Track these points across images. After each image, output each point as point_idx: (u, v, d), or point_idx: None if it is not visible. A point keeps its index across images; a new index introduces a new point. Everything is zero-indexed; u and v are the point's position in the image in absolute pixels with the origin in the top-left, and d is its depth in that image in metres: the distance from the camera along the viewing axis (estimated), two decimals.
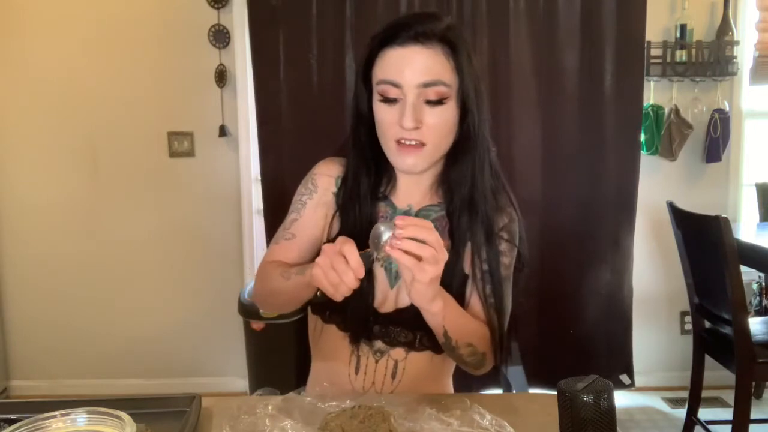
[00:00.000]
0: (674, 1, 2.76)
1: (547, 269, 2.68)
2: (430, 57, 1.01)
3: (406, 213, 1.13)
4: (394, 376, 1.10)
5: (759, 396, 2.80)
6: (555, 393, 0.80)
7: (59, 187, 2.89)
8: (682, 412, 2.49)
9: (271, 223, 2.68)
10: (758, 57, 2.83)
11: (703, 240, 2.15)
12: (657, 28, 2.75)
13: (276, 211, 2.64)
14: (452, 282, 1.06)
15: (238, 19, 2.75)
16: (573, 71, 2.65)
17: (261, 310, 1.21)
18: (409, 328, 1.09)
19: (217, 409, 0.98)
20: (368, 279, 1.07)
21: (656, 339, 2.95)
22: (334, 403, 0.91)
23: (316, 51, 2.61)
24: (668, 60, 2.72)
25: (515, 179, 2.60)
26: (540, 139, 2.68)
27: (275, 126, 2.66)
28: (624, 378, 2.79)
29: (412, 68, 1.00)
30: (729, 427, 2.10)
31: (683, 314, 2.93)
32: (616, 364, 2.79)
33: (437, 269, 0.88)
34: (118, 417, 0.79)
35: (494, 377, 1.35)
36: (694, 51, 2.71)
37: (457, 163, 1.09)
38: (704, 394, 2.38)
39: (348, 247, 0.87)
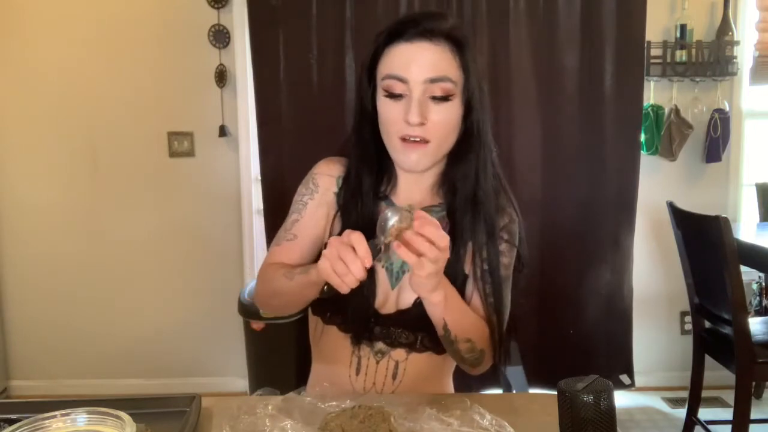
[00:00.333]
0: (674, 1, 2.77)
1: (547, 269, 2.68)
2: (436, 53, 1.01)
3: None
4: (394, 377, 1.10)
5: (759, 396, 2.80)
6: (555, 393, 0.80)
7: (59, 187, 2.89)
8: (682, 412, 2.49)
9: (271, 223, 2.68)
10: (758, 57, 2.83)
11: (703, 240, 2.15)
12: (657, 28, 2.75)
13: (276, 211, 2.64)
14: (453, 282, 1.06)
15: (238, 19, 2.75)
16: (573, 71, 2.65)
17: (261, 311, 1.20)
18: (410, 329, 1.09)
19: (217, 409, 0.98)
20: (369, 280, 1.07)
21: (656, 339, 2.95)
22: (334, 403, 0.91)
23: (316, 51, 2.61)
24: (668, 60, 2.72)
25: (515, 179, 2.60)
26: (540, 139, 2.68)
27: (275, 126, 2.66)
28: (624, 378, 2.79)
29: (418, 63, 1.01)
30: (729, 427, 2.10)
31: (683, 314, 2.93)
32: (616, 364, 2.79)
33: (436, 267, 0.89)
34: (118, 417, 0.79)
35: (494, 377, 1.35)
36: (694, 51, 2.71)
37: (461, 162, 1.09)
38: (704, 394, 2.38)
39: (356, 236, 0.87)
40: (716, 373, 2.41)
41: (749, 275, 2.64)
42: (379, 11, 2.58)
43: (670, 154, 2.77)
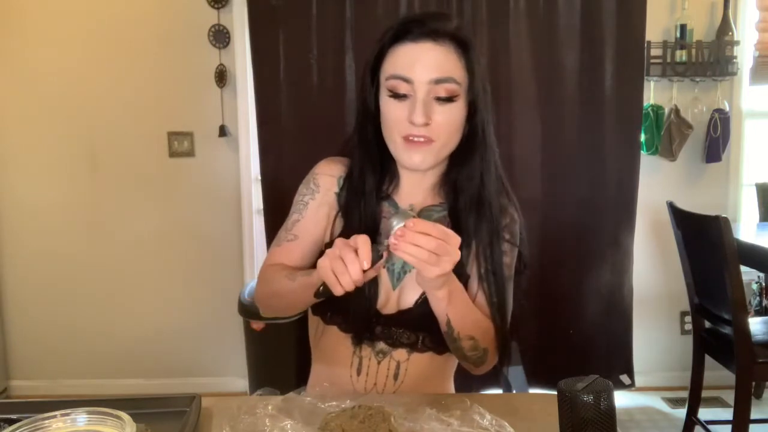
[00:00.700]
0: (674, 1, 2.77)
1: (547, 269, 2.68)
2: (442, 54, 1.01)
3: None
4: (396, 377, 1.10)
5: (759, 396, 2.80)
6: (555, 393, 0.80)
7: (59, 187, 2.89)
8: (682, 412, 2.49)
9: (271, 223, 2.68)
10: (758, 57, 2.83)
11: (703, 240, 2.15)
12: (657, 28, 2.75)
13: (276, 211, 2.64)
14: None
15: (238, 19, 2.75)
16: (573, 71, 2.65)
17: (259, 308, 1.20)
18: (412, 329, 1.09)
19: (217, 409, 0.98)
20: (371, 280, 1.07)
21: (656, 339, 2.95)
22: (334, 403, 0.91)
23: (316, 51, 2.61)
24: (668, 60, 2.72)
25: (515, 179, 2.60)
26: (540, 139, 2.68)
27: (275, 126, 2.66)
28: (624, 378, 2.79)
29: (423, 64, 1.01)
30: (729, 427, 2.09)
31: (683, 314, 2.93)
32: (616, 364, 2.79)
33: (440, 269, 0.89)
34: (118, 417, 0.79)
35: (494, 377, 1.35)
36: (694, 51, 2.71)
37: (465, 163, 1.09)
38: (704, 394, 2.38)
39: (361, 239, 0.87)
40: (716, 373, 2.41)
41: (749, 275, 2.64)
42: (379, 11, 2.58)
43: (670, 154, 2.77)
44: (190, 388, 2.63)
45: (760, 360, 2.03)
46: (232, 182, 2.87)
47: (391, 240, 0.87)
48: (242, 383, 2.88)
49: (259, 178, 2.76)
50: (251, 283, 2.60)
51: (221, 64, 2.77)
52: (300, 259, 1.13)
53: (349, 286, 0.87)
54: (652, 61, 2.72)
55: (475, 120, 1.06)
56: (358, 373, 1.10)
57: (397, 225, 0.88)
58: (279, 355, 2.35)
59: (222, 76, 2.76)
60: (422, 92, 1.01)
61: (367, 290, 1.07)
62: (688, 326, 2.71)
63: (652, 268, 2.90)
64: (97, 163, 2.87)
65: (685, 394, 2.42)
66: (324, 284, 0.89)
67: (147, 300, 2.96)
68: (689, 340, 2.43)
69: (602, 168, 2.70)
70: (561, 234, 2.71)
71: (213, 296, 2.92)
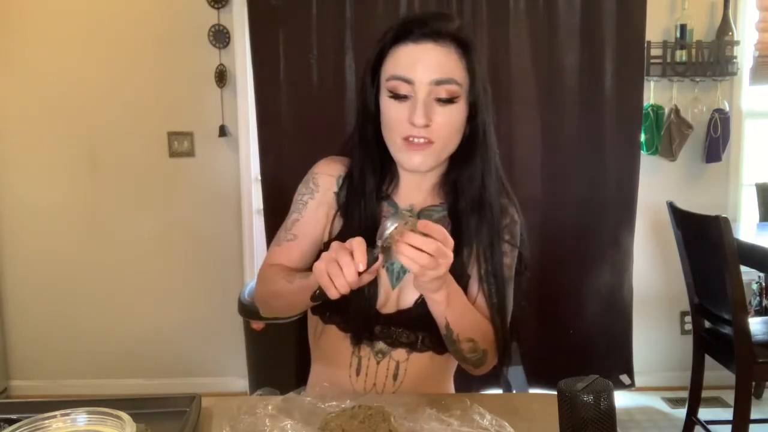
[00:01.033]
0: (674, 1, 2.77)
1: (547, 269, 2.68)
2: (443, 55, 1.01)
3: (408, 213, 1.13)
4: (395, 377, 1.10)
5: (759, 396, 2.80)
6: (555, 393, 0.80)
7: (59, 187, 2.89)
8: (682, 412, 2.49)
9: (271, 223, 2.68)
10: (758, 57, 2.83)
11: (703, 240, 2.15)
12: (657, 28, 2.75)
13: (276, 211, 2.64)
14: (456, 283, 1.06)
15: (238, 19, 2.75)
16: (573, 71, 2.65)
17: (258, 307, 1.20)
18: (411, 328, 1.09)
19: (217, 409, 0.98)
20: (371, 280, 1.07)
21: (656, 339, 2.95)
22: (334, 403, 0.91)
23: (316, 51, 2.61)
24: (668, 60, 2.72)
25: (515, 179, 2.60)
26: (540, 138, 2.68)
27: (275, 126, 2.66)
28: (624, 378, 2.79)
29: (425, 65, 1.00)
30: (729, 427, 2.09)
31: (683, 314, 2.93)
32: (616, 364, 2.79)
33: (436, 273, 0.89)
34: (118, 417, 0.79)
35: (494, 377, 1.35)
36: (694, 51, 2.71)
37: (466, 164, 1.09)
38: (704, 394, 2.38)
39: (357, 241, 0.87)
40: (716, 373, 2.41)
41: (749, 275, 2.64)
42: (379, 11, 2.58)
43: (670, 154, 2.77)
44: (190, 388, 2.63)
45: (760, 360, 2.03)
46: (232, 182, 2.87)
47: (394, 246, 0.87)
48: (242, 383, 2.88)
49: (259, 178, 2.76)
50: (251, 283, 2.60)
51: (221, 64, 2.77)
52: (299, 259, 1.13)
53: (344, 289, 0.87)
54: (652, 61, 2.72)
55: (476, 121, 1.06)
56: (357, 373, 1.10)
57: (391, 226, 0.87)
58: (279, 355, 2.35)
59: (222, 76, 2.76)
60: (423, 93, 1.01)
61: (367, 290, 1.07)
62: (688, 326, 2.71)
63: (652, 268, 2.90)
64: (97, 163, 2.87)
65: (685, 394, 2.42)
66: (320, 287, 0.89)
67: (147, 300, 2.96)
68: (689, 340, 2.43)
69: (602, 168, 2.70)
70: (561, 234, 2.71)
71: (213, 296, 2.92)
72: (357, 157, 1.12)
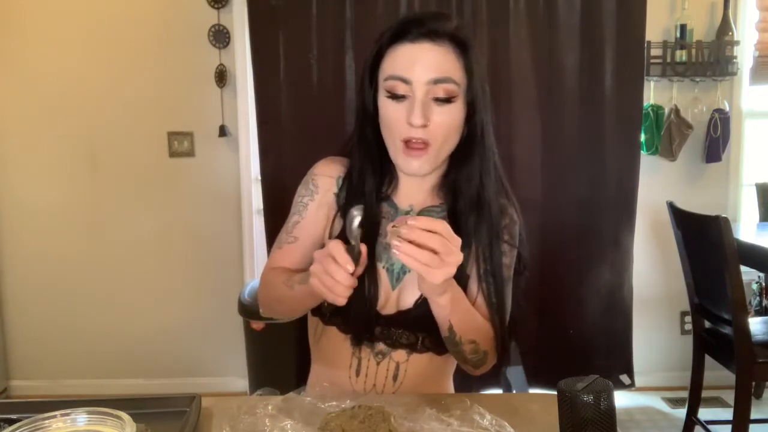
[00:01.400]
0: (674, 1, 2.77)
1: (547, 269, 2.68)
2: (440, 54, 1.01)
3: (408, 213, 1.13)
4: (395, 378, 1.10)
5: (759, 396, 2.80)
6: (555, 393, 0.80)
7: (59, 187, 2.89)
8: (682, 412, 2.49)
9: (271, 223, 2.68)
10: (758, 57, 2.83)
11: (703, 240, 2.15)
12: (657, 28, 2.75)
13: (276, 211, 2.64)
14: (456, 283, 1.06)
15: (238, 19, 2.75)
16: (573, 71, 2.65)
17: (261, 310, 1.20)
18: (411, 329, 1.09)
19: (217, 409, 0.98)
20: (370, 280, 1.07)
21: (656, 339, 2.95)
22: (334, 403, 0.91)
23: (316, 51, 2.61)
24: (668, 60, 2.72)
25: (515, 179, 2.60)
26: (540, 139, 2.68)
27: (275, 126, 2.66)
28: (624, 378, 2.79)
29: (422, 64, 1.00)
30: (729, 427, 2.09)
31: (683, 314, 2.93)
32: (616, 364, 2.79)
33: (446, 272, 0.86)
34: (118, 417, 0.79)
35: (494, 377, 1.35)
36: (694, 51, 2.71)
37: (465, 164, 1.09)
38: (704, 394, 2.38)
39: (333, 245, 0.86)
40: (716, 373, 2.41)
41: (749, 275, 2.64)
42: (379, 11, 2.58)
43: (670, 154, 2.77)
44: (190, 388, 2.63)
45: (760, 360, 2.03)
46: (232, 182, 2.87)
47: (393, 242, 0.84)
48: (242, 383, 2.88)
49: (259, 178, 2.76)
50: (251, 283, 2.60)
51: (221, 64, 2.77)
52: (301, 261, 1.13)
53: (347, 293, 0.87)
54: (652, 61, 2.72)
55: (474, 121, 1.06)
56: (357, 373, 1.10)
57: (355, 220, 0.87)
58: (279, 355, 2.35)
59: (222, 76, 2.76)
60: (420, 93, 1.00)
61: (367, 291, 1.07)
62: (688, 326, 2.71)
63: (652, 268, 2.90)
64: (97, 163, 2.87)
65: (685, 394, 2.42)
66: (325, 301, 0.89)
67: (147, 300, 2.96)
68: (689, 340, 2.43)
69: (602, 168, 2.70)
70: (561, 234, 2.71)
71: (213, 296, 2.92)
72: (356, 158, 1.12)
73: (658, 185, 2.82)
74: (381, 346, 1.10)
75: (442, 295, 0.95)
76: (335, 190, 1.15)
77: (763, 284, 2.82)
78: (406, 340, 1.09)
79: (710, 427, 2.28)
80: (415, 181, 1.13)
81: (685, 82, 2.78)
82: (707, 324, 2.31)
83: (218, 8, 2.74)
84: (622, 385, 2.78)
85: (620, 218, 2.72)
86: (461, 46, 1.03)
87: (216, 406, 0.99)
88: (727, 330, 2.13)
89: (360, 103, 1.10)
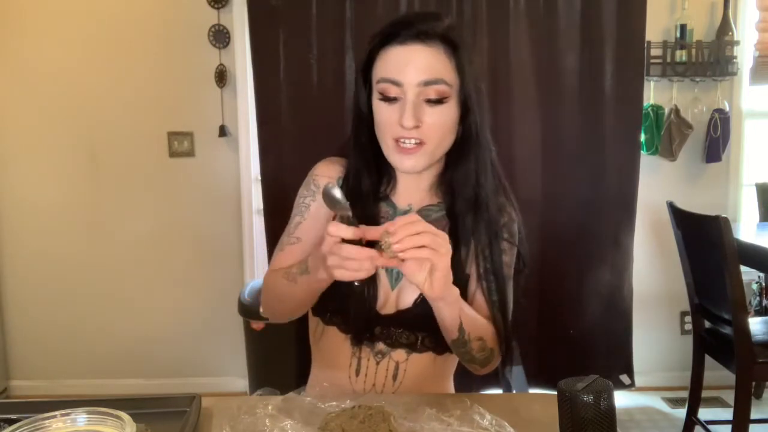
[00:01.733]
0: (674, 1, 2.77)
1: (547, 269, 2.68)
2: (431, 55, 1.01)
3: (406, 213, 1.13)
4: (395, 377, 1.10)
5: (759, 396, 2.80)
6: (555, 393, 0.80)
7: (59, 187, 2.89)
8: (682, 412, 2.49)
9: (271, 223, 2.68)
10: (758, 57, 2.83)
11: (703, 240, 2.15)
12: (657, 28, 2.75)
13: (276, 211, 2.63)
14: (456, 283, 1.06)
15: (238, 19, 2.75)
16: (573, 71, 2.65)
17: (262, 312, 1.19)
18: (411, 329, 1.09)
19: (217, 409, 0.98)
20: (369, 280, 1.06)
21: (656, 339, 2.95)
22: (334, 403, 0.91)
23: (316, 51, 2.61)
24: (668, 60, 2.72)
25: (515, 179, 2.60)
26: (540, 139, 2.68)
27: (275, 126, 2.66)
28: (624, 378, 2.79)
29: (413, 66, 1.00)
30: (729, 427, 2.10)
31: (683, 314, 2.93)
32: (616, 364, 2.79)
33: (446, 255, 0.88)
34: (118, 417, 0.79)
35: (494, 377, 1.35)
36: (694, 51, 2.71)
37: (460, 164, 1.09)
38: (704, 394, 2.38)
39: (334, 229, 0.85)
40: (716, 373, 2.41)
41: (749, 275, 2.64)
42: (379, 11, 2.59)
43: (670, 154, 2.77)
44: (190, 388, 2.63)
45: (760, 360, 2.03)
46: (232, 182, 2.87)
47: (394, 246, 0.85)
48: (242, 383, 2.89)
49: (259, 178, 2.76)
50: (251, 283, 2.60)
51: (221, 64, 2.77)
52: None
53: (375, 263, 0.86)
54: (652, 61, 2.72)
55: (469, 120, 1.06)
56: (357, 373, 1.10)
57: (334, 189, 0.86)
58: (279, 355, 2.35)
59: (222, 76, 2.76)
60: (412, 95, 1.00)
61: (366, 291, 1.07)
62: (688, 326, 2.71)
63: (652, 268, 2.90)
64: (97, 163, 2.87)
65: (685, 394, 2.42)
66: (356, 281, 0.88)
67: (147, 300, 2.96)
68: (689, 340, 2.43)
69: (602, 168, 2.70)
70: (561, 234, 2.71)
71: (213, 296, 2.92)
72: (353, 159, 1.13)
73: (658, 185, 2.82)
74: (381, 345, 1.10)
75: (449, 293, 0.95)
76: None
77: (763, 284, 2.82)
78: (406, 339, 1.09)
79: (710, 427, 2.28)
80: (414, 181, 1.13)
81: (685, 82, 2.78)
82: (707, 324, 2.31)
83: (218, 8, 2.74)
84: (622, 385, 2.78)
85: (620, 218, 2.72)
86: (452, 46, 1.02)
87: (216, 406, 0.99)
88: (727, 330, 2.13)
89: (354, 105, 1.11)
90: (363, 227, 0.86)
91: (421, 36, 1.00)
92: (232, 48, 2.78)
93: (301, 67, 2.62)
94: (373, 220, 1.10)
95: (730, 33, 2.71)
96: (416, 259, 0.86)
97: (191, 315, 2.95)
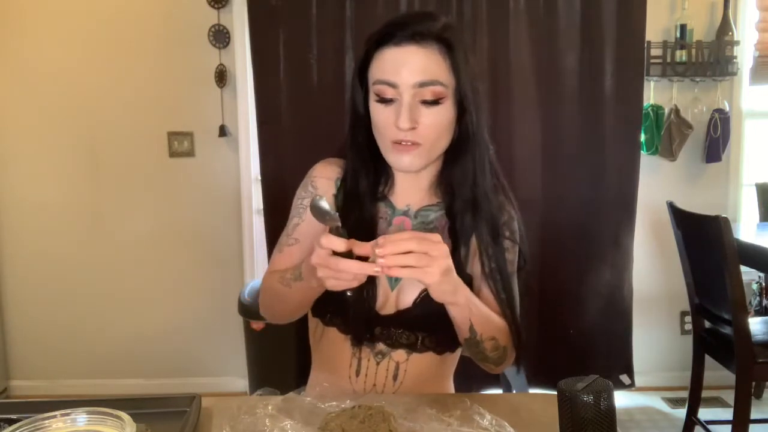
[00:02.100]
0: (674, 1, 2.77)
1: (548, 269, 2.68)
2: (426, 56, 1.00)
3: (405, 213, 1.13)
4: (395, 378, 1.10)
5: (759, 396, 2.81)
6: (555, 393, 0.80)
7: (59, 187, 2.89)
8: (682, 412, 2.49)
9: (271, 223, 2.68)
10: (758, 57, 2.83)
11: (703, 240, 2.15)
12: (657, 28, 2.75)
13: (276, 211, 2.64)
14: None
15: (238, 19, 2.75)
16: (573, 71, 2.65)
17: (262, 313, 1.19)
18: (411, 329, 1.09)
19: (217, 409, 0.98)
20: (368, 281, 1.06)
21: (656, 339, 2.95)
22: (334, 403, 0.91)
23: (316, 51, 2.61)
24: (668, 60, 2.72)
25: (515, 179, 2.60)
26: (540, 139, 2.68)
27: (275, 126, 2.66)
28: (624, 378, 2.79)
29: (408, 68, 1.00)
30: (729, 427, 2.10)
31: (683, 314, 2.93)
32: (616, 364, 2.79)
33: (439, 266, 0.87)
34: (118, 417, 0.79)
35: (494, 377, 1.35)
36: (694, 51, 2.71)
37: (457, 163, 1.09)
38: (704, 394, 2.38)
39: (326, 241, 0.85)
40: (716, 373, 2.41)
41: (749, 275, 2.64)
42: (379, 11, 2.59)
43: (670, 154, 2.77)
44: (190, 388, 2.63)
45: (760, 360, 2.03)
46: (232, 182, 2.87)
47: (379, 261, 0.84)
48: (242, 383, 2.89)
49: (259, 178, 2.76)
50: (251, 283, 2.61)
51: (221, 64, 2.77)
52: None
53: (367, 270, 0.85)
54: (652, 61, 2.72)
55: (465, 120, 1.05)
56: (357, 374, 1.10)
57: (322, 200, 0.86)
58: (279, 355, 2.35)
59: (222, 76, 2.76)
60: (408, 96, 1.00)
61: (366, 291, 1.07)
62: (688, 326, 2.71)
63: (652, 268, 2.90)
64: (97, 163, 2.87)
65: (685, 394, 2.42)
66: (348, 290, 0.89)
67: (147, 300, 2.96)
68: (689, 340, 2.43)
69: (602, 168, 2.70)
70: (561, 234, 2.71)
71: (213, 296, 2.92)
72: (350, 160, 1.13)
73: (658, 185, 2.82)
74: (381, 346, 1.10)
75: (456, 295, 0.95)
76: (334, 191, 1.15)
77: (763, 284, 2.82)
78: (406, 339, 1.09)
79: (710, 427, 2.28)
80: (412, 181, 1.13)
81: (685, 82, 2.78)
82: (707, 324, 2.31)
83: (218, 8, 2.74)
84: (622, 385, 2.78)
85: (620, 218, 2.72)
86: (447, 47, 1.01)
87: (216, 406, 0.99)
88: (727, 330, 2.13)
89: (351, 106, 1.10)
90: (353, 241, 0.86)
91: (416, 37, 1.00)
92: (232, 48, 2.78)
93: (301, 67, 2.62)
94: (372, 220, 1.10)
95: (730, 33, 2.71)
96: (401, 269, 0.85)
97: (191, 315, 2.95)
